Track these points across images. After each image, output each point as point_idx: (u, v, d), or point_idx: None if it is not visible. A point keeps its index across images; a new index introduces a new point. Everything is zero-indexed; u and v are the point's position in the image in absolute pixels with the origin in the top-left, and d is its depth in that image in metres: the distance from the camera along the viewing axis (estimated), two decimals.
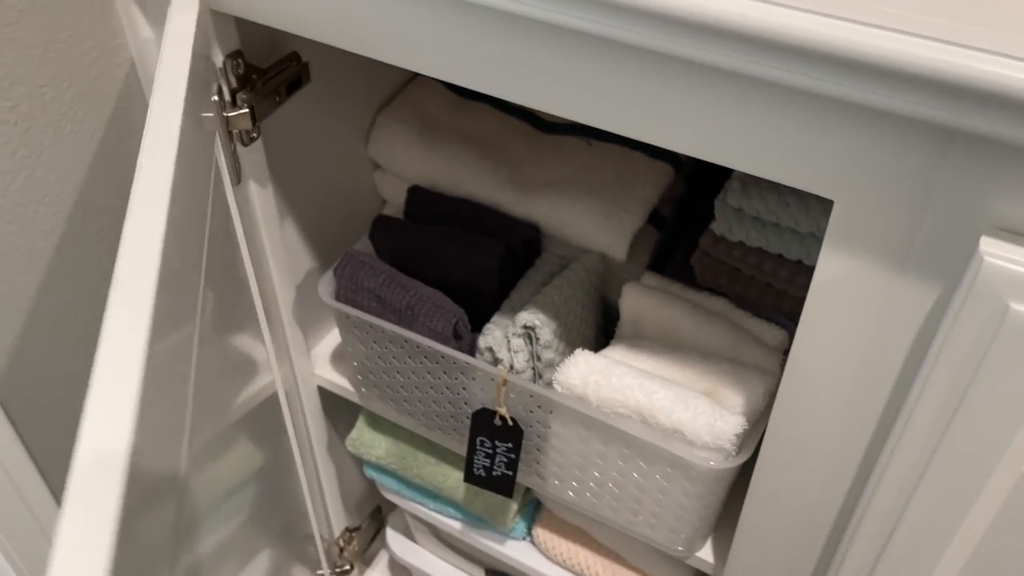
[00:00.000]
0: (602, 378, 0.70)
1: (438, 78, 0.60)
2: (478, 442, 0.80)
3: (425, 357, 0.80)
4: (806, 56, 0.42)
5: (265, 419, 0.86)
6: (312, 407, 0.96)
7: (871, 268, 0.50)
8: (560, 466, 0.80)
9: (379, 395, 0.89)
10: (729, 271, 0.79)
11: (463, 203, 0.87)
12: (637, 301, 0.76)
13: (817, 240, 0.74)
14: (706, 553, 0.80)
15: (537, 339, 0.76)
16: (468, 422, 0.83)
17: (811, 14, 0.42)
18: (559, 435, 0.77)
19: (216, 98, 0.66)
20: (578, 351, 0.72)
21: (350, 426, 1.00)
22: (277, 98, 0.72)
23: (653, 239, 0.89)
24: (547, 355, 0.76)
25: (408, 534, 1.11)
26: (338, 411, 1.02)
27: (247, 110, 0.69)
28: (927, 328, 0.50)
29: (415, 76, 0.97)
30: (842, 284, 0.52)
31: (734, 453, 0.68)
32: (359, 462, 1.10)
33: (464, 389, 0.80)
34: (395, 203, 0.95)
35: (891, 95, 0.42)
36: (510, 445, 0.79)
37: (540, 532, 0.93)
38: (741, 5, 0.43)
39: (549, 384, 0.75)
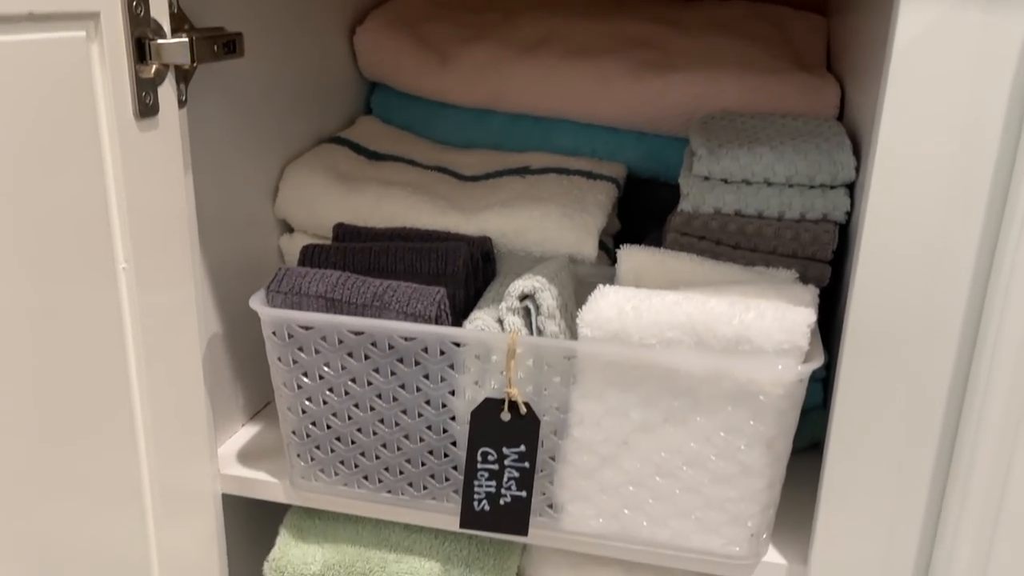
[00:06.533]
0: (641, 302, 0.59)
1: None
2: (479, 456, 0.63)
3: (399, 361, 0.64)
4: None
5: None
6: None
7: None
8: (583, 474, 0.64)
9: (323, 463, 0.69)
10: (709, 248, 0.74)
11: (402, 230, 0.77)
12: (637, 260, 0.68)
13: (795, 188, 0.73)
14: (772, 555, 0.65)
15: (538, 309, 0.64)
16: (454, 454, 0.66)
17: None
18: (585, 416, 0.62)
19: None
20: (600, 285, 0.62)
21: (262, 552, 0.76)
22: (215, 48, 0.63)
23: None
24: (550, 327, 0.64)
25: None
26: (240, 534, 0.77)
27: (186, 39, 0.59)
28: None
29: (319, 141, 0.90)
30: (927, 36, 0.50)
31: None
32: None
33: (452, 395, 0.64)
34: None
35: None
36: (522, 449, 0.63)
37: None
38: None
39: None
